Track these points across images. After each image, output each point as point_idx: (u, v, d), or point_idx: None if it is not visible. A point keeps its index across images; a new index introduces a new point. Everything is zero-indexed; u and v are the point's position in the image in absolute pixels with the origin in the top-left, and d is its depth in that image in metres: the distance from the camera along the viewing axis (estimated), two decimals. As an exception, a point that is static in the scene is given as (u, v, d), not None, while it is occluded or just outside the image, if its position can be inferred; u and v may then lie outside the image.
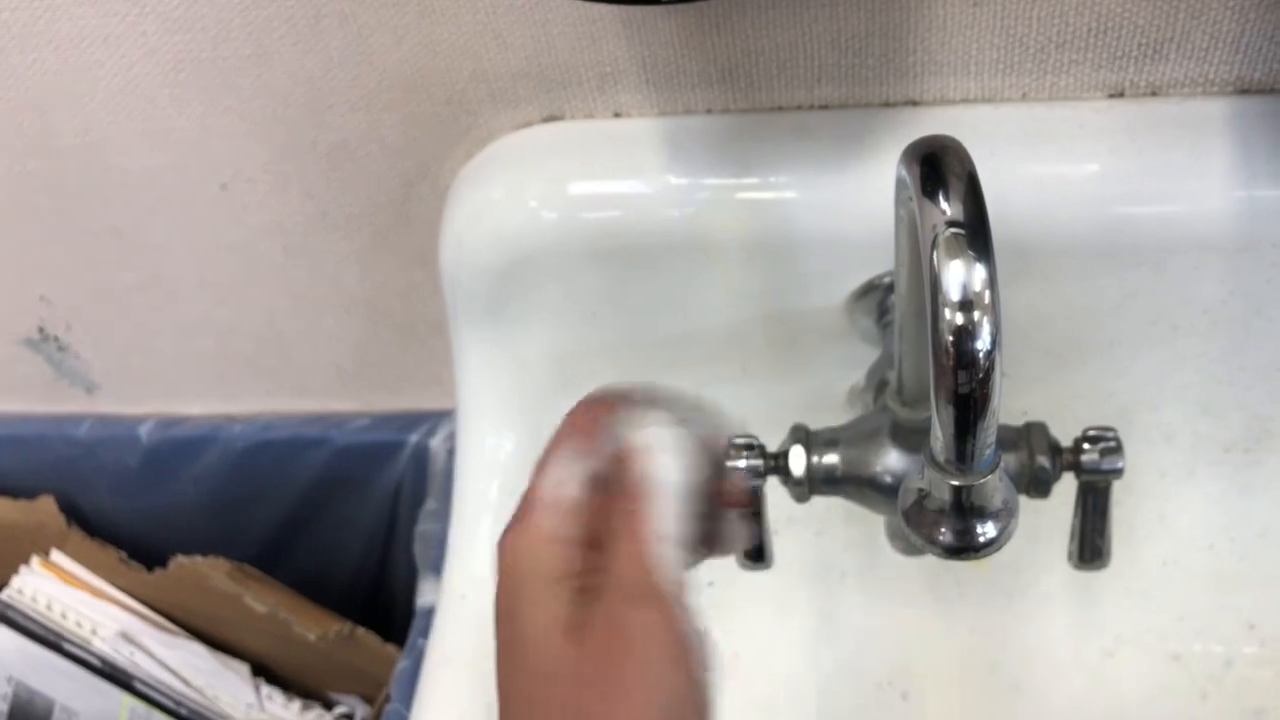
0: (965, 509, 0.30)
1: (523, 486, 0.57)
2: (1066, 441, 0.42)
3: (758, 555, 0.48)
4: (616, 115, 0.50)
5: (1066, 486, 0.46)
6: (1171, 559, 0.59)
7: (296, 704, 0.69)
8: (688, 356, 0.55)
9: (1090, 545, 0.43)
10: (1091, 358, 0.51)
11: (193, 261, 0.59)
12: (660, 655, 0.28)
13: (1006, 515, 0.31)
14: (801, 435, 0.44)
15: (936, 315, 0.27)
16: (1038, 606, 0.62)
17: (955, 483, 0.29)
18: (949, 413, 0.28)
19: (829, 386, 0.55)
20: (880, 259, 0.47)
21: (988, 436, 0.28)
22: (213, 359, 0.65)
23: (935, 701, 0.61)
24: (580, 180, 0.50)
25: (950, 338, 0.27)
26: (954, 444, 0.28)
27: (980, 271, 0.27)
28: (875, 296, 0.48)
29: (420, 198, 0.54)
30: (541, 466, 0.34)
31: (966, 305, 0.27)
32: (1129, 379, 0.53)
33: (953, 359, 0.27)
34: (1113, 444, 0.41)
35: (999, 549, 0.31)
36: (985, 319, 0.27)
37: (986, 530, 0.31)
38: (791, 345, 0.54)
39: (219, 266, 0.59)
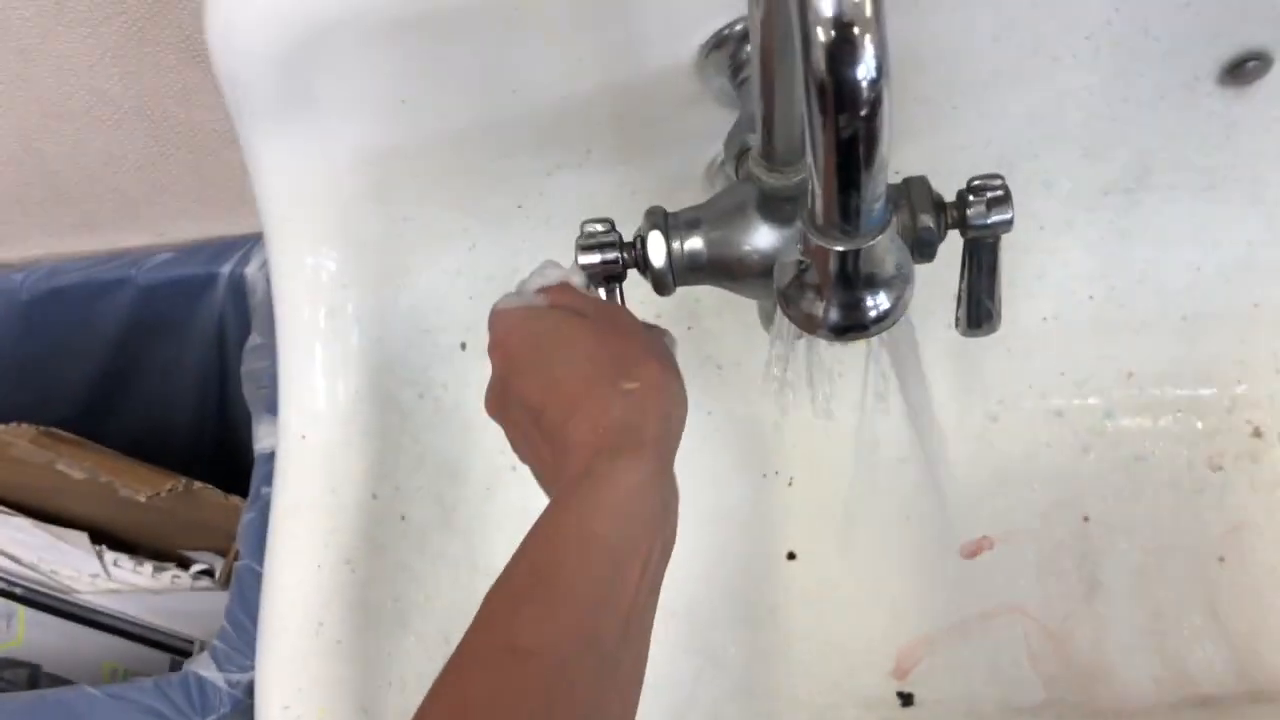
0: (853, 278, 0.25)
1: (356, 309, 0.51)
2: (949, 198, 0.38)
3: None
4: None
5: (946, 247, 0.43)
6: (1052, 314, 0.58)
7: (148, 567, 0.63)
8: (523, 142, 0.48)
9: (981, 308, 0.40)
10: (967, 102, 0.46)
11: (-93, 79, 0.48)
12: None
13: (901, 283, 0.26)
14: (659, 219, 0.38)
15: (807, 39, 0.21)
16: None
17: (840, 248, 0.24)
18: (829, 161, 0.22)
19: (686, 163, 0.50)
20: (731, 4, 0.41)
21: (876, 188, 0.23)
22: (-34, 198, 0.55)
23: (824, 482, 0.59)
24: (367, -66, 0.41)
25: (824, 66, 0.21)
26: (837, 200, 0.23)
27: (857, -27, 0.21)
28: (728, 49, 0.42)
29: (176, -27, 0.45)
30: None
31: (843, 22, 0.21)
32: (1007, 123, 0.48)
33: (831, 93, 0.21)
34: (1000, 193, 0.37)
35: (894, 323, 0.27)
36: (867, 37, 0.21)
37: (879, 302, 0.26)
38: (640, 118, 0.47)
39: (-58, 82, 0.48)
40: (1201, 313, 0.57)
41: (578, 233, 0.40)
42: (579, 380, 0.34)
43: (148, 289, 0.59)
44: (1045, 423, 0.59)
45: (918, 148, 0.47)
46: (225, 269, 0.58)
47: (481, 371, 0.56)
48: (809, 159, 0.23)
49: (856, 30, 0.21)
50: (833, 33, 0.21)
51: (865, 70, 0.21)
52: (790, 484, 0.60)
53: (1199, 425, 0.58)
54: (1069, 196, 0.53)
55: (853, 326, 0.26)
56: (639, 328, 0.38)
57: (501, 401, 0.38)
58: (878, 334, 0.27)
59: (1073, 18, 0.42)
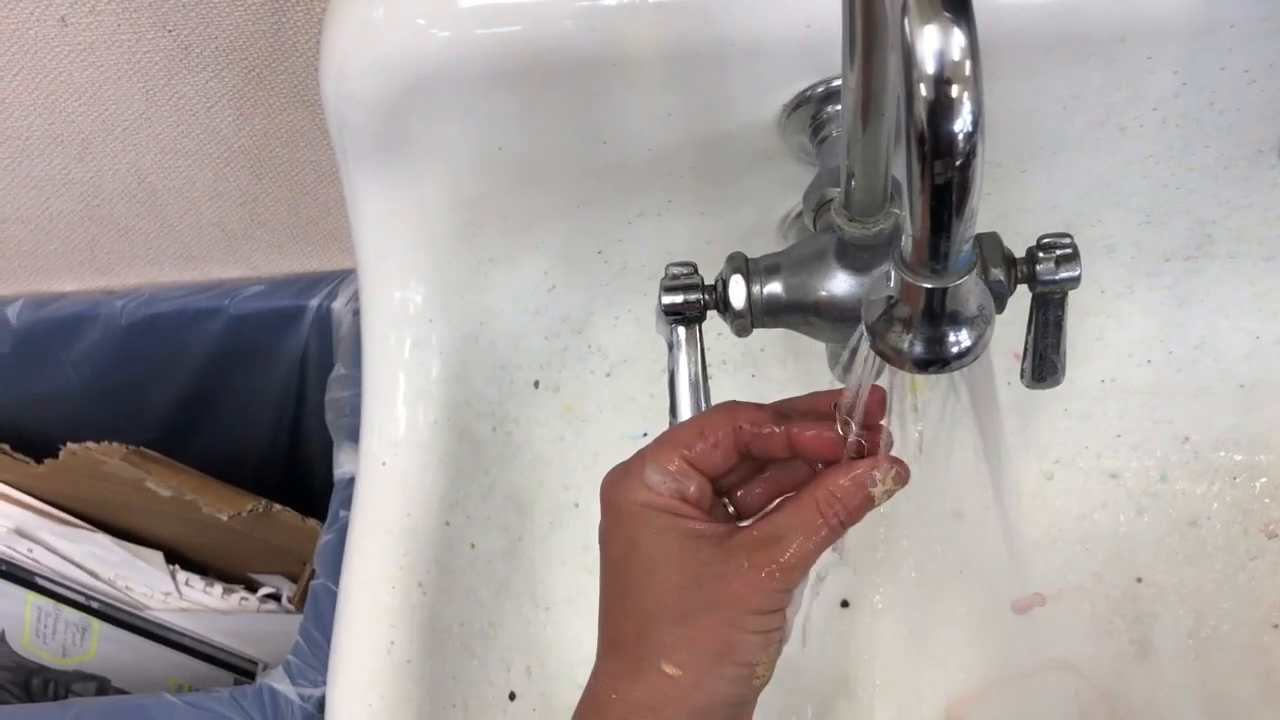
0: (938, 315, 0.27)
1: (439, 342, 0.54)
2: (1018, 255, 0.40)
3: (696, 399, 0.45)
4: (512, -86, 0.44)
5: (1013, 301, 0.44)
6: (1109, 377, 0.59)
7: (218, 588, 0.66)
8: (607, 192, 0.51)
9: (1046, 362, 0.41)
10: (1035, 166, 0.48)
11: (39, 113, 0.52)
12: None
13: (982, 322, 0.28)
14: (740, 263, 0.41)
15: (910, 93, 0.23)
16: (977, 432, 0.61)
17: (929, 285, 0.26)
18: (923, 204, 0.24)
19: (763, 216, 0.52)
20: (813, 67, 0.43)
21: (966, 231, 0.25)
22: (80, 225, 0.58)
23: (881, 535, 0.60)
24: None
25: (925, 117, 0.23)
26: (928, 240, 0.25)
27: (959, 38, 0.23)
28: (809, 109, 0.44)
29: (294, 25, 0.48)
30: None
31: (943, 79, 0.23)
32: (1073, 189, 0.50)
33: (929, 142, 0.24)
34: (1069, 251, 0.38)
35: (974, 359, 0.28)
36: (966, 94, 0.23)
37: (961, 338, 0.28)
38: (720, 171, 0.50)
39: (70, 117, 0.52)
40: (1259, 380, 0.58)
41: (656, 277, 0.42)
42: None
43: (238, 318, 0.62)
44: (1100, 483, 0.60)
45: (986, 208, 0.49)
46: (313, 302, 0.61)
47: (550, 409, 0.59)
48: (906, 202, 0.25)
49: (956, 89, 0.23)
50: (935, 89, 0.23)
51: (962, 124, 0.23)
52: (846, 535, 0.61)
53: (1254, 492, 0.59)
54: (1130, 262, 0.54)
55: (936, 360, 0.28)
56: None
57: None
58: (958, 369, 0.29)
59: (1140, 89, 0.44)
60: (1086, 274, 0.54)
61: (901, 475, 0.35)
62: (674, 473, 0.35)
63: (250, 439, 0.70)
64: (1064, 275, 0.39)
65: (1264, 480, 0.59)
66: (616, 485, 0.36)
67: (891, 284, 0.27)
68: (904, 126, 0.24)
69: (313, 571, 0.53)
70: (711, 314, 0.42)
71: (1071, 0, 0.41)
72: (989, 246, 0.39)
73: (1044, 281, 0.39)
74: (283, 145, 0.54)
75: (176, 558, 0.66)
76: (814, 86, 0.44)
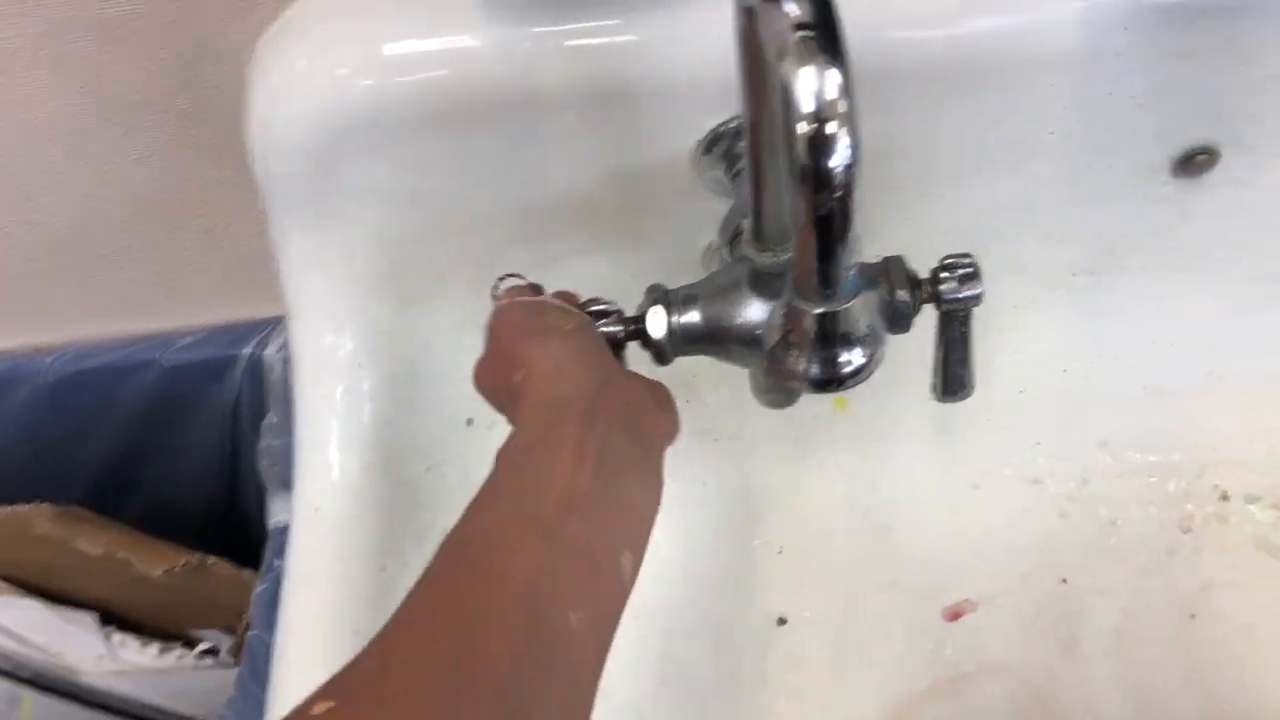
0: (831, 337, 0.28)
1: (371, 387, 0.54)
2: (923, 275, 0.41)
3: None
4: (424, -35, 0.45)
5: (925, 322, 0.46)
6: (1026, 388, 0.61)
7: (154, 647, 0.65)
8: (530, 229, 0.52)
9: (954, 377, 0.43)
10: (943, 191, 0.50)
11: (-43, 173, 0.52)
12: None
13: (873, 341, 0.29)
14: (659, 294, 0.42)
15: (790, 132, 0.25)
16: (904, 448, 0.62)
17: (820, 310, 0.28)
18: (809, 234, 0.26)
19: (684, 248, 0.53)
20: (724, 105, 0.45)
21: (849, 257, 0.26)
22: (4, 283, 0.58)
23: (814, 552, 0.62)
24: (393, 40, 0.45)
25: (805, 153, 0.25)
26: (816, 268, 0.27)
27: (834, 77, 0.25)
28: (723, 145, 0.46)
29: (207, 81, 0.49)
30: None
31: (821, 116, 0.25)
32: (979, 209, 0.52)
33: (810, 177, 0.25)
34: (970, 270, 0.40)
35: (867, 377, 0.30)
36: (843, 130, 0.25)
37: (853, 357, 0.29)
38: (641, 206, 0.51)
39: (-11, 176, 0.52)
40: (1166, 384, 0.60)
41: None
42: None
43: (170, 370, 0.62)
44: (1024, 490, 0.62)
45: (897, 231, 0.51)
46: (244, 351, 0.61)
47: (485, 446, 0.59)
48: (793, 230, 0.26)
49: (833, 125, 0.25)
50: (813, 126, 0.25)
51: (840, 159, 0.25)
52: (780, 552, 0.63)
53: (1169, 490, 0.61)
54: (1039, 277, 0.56)
55: (832, 380, 0.30)
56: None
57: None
58: (854, 386, 0.30)
59: (1039, 115, 0.46)
60: (997, 290, 0.56)
61: None
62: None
63: (189, 492, 0.70)
64: (967, 293, 0.41)
65: (1177, 478, 0.61)
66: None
67: (786, 311, 0.29)
68: (785, 164, 0.25)
69: (248, 623, 0.53)
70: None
71: (965, 33, 0.43)
72: (894, 268, 0.40)
73: (948, 300, 0.40)
74: (206, 197, 0.55)
75: (112, 618, 0.65)
76: (726, 122, 0.45)
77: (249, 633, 0.53)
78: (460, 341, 0.57)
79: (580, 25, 0.44)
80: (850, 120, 0.25)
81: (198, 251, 0.58)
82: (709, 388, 0.61)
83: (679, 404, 0.58)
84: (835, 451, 0.62)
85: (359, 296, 0.53)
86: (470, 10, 0.44)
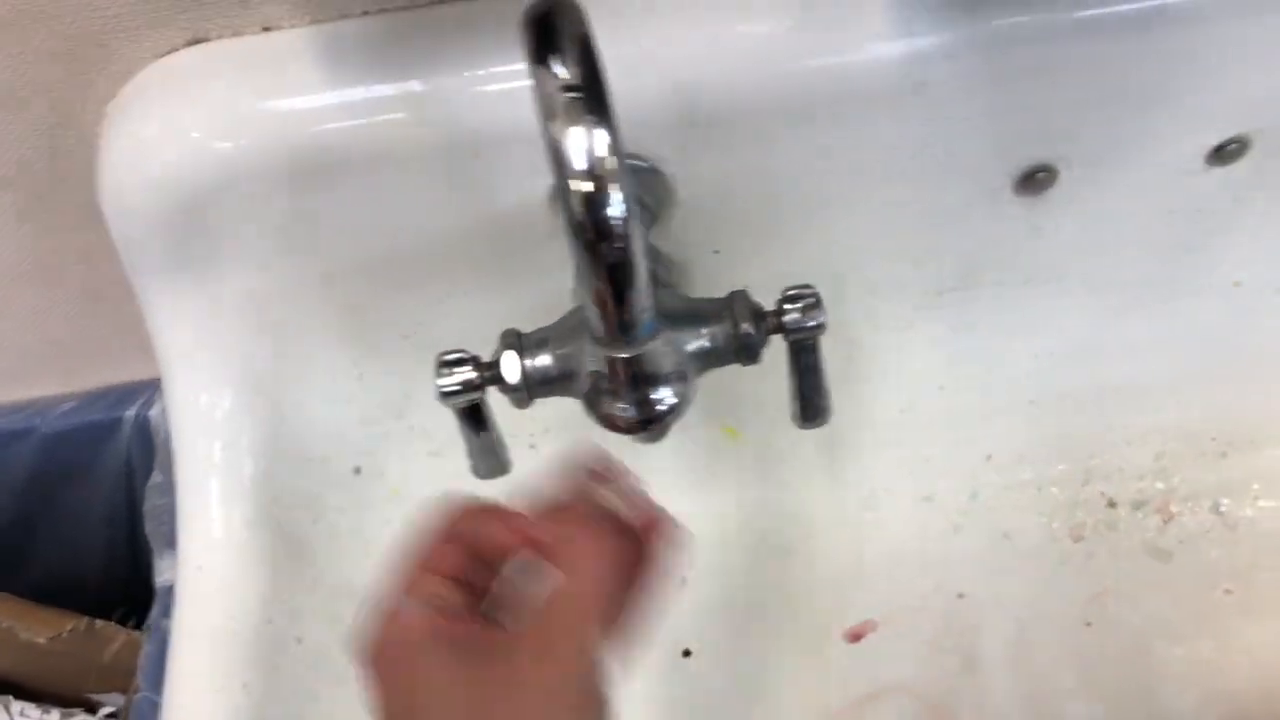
0: (639, 379, 0.29)
1: (250, 442, 0.54)
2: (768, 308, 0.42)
3: (498, 468, 0.47)
4: (266, 29, 0.45)
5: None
6: (907, 406, 0.62)
7: (55, 714, 0.64)
8: (400, 279, 0.52)
9: (810, 404, 0.44)
10: (795, 224, 0.51)
11: None
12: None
13: (680, 380, 0.30)
14: (513, 339, 0.42)
15: (565, 189, 0.26)
16: (797, 472, 0.63)
17: (623, 355, 0.28)
18: (599, 286, 0.27)
19: (555, 289, 0.54)
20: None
21: (642, 302, 0.27)
22: None
23: (711, 580, 0.62)
24: (242, 103, 0.46)
25: (581, 210, 0.26)
26: (612, 317, 0.27)
27: (602, 136, 0.26)
28: (572, 189, 0.46)
29: (68, 150, 0.49)
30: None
31: (592, 174, 0.25)
32: (837, 240, 0.53)
33: (590, 231, 0.26)
34: (812, 300, 0.41)
35: (681, 415, 0.31)
36: (614, 185, 0.26)
37: (665, 396, 0.30)
38: (507, 251, 0.52)
39: None
40: (1045, 395, 0.62)
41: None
42: None
43: (53, 437, 0.61)
44: (916, 508, 0.63)
45: (757, 268, 0.52)
46: (129, 413, 0.61)
47: (375, 493, 0.59)
48: (583, 285, 0.27)
49: (604, 181, 0.25)
50: (585, 184, 0.25)
51: (615, 211, 0.26)
52: (683, 583, 0.63)
53: (1058, 500, 0.62)
54: (906, 298, 0.58)
55: (649, 420, 0.30)
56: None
57: None
58: (674, 423, 0.31)
59: (878, 144, 0.48)
60: (864, 313, 0.58)
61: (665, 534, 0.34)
62: (420, 587, 0.32)
63: (86, 556, 0.69)
64: (811, 323, 0.41)
65: (1064, 488, 0.62)
66: (376, 641, 0.32)
67: (593, 358, 0.30)
68: (565, 221, 0.26)
69: (137, 685, 0.53)
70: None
71: (789, 70, 0.44)
72: (739, 303, 0.41)
73: (793, 329, 0.41)
74: (77, 262, 0.54)
75: (9, 688, 0.64)
76: (570, 169, 0.46)
77: (137, 694, 0.53)
78: (341, 392, 0.57)
79: (419, 84, 0.44)
80: (622, 174, 0.26)
81: (78, 315, 0.58)
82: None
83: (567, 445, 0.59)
84: (728, 480, 0.63)
85: (234, 353, 0.53)
86: (313, 71, 0.44)
